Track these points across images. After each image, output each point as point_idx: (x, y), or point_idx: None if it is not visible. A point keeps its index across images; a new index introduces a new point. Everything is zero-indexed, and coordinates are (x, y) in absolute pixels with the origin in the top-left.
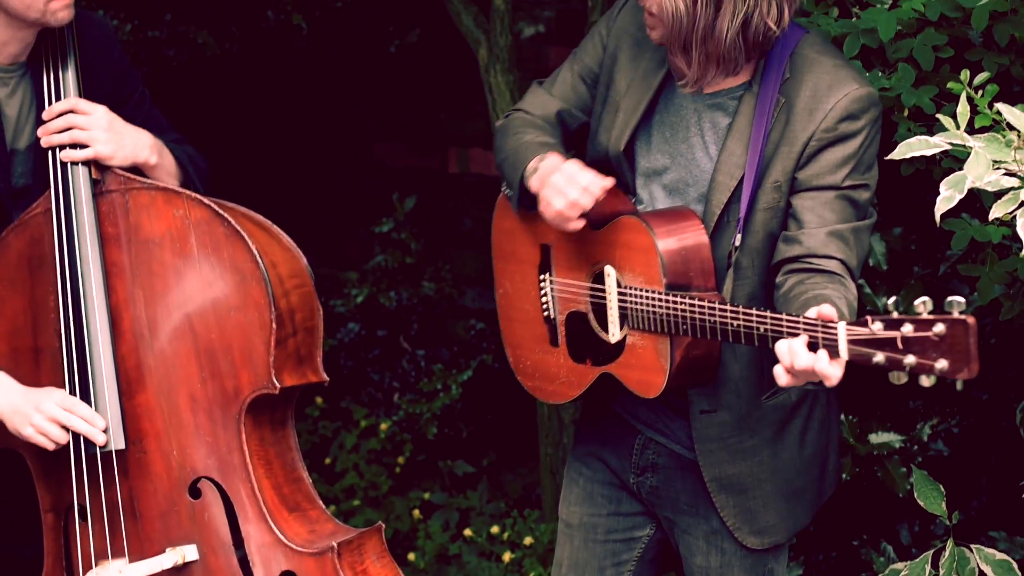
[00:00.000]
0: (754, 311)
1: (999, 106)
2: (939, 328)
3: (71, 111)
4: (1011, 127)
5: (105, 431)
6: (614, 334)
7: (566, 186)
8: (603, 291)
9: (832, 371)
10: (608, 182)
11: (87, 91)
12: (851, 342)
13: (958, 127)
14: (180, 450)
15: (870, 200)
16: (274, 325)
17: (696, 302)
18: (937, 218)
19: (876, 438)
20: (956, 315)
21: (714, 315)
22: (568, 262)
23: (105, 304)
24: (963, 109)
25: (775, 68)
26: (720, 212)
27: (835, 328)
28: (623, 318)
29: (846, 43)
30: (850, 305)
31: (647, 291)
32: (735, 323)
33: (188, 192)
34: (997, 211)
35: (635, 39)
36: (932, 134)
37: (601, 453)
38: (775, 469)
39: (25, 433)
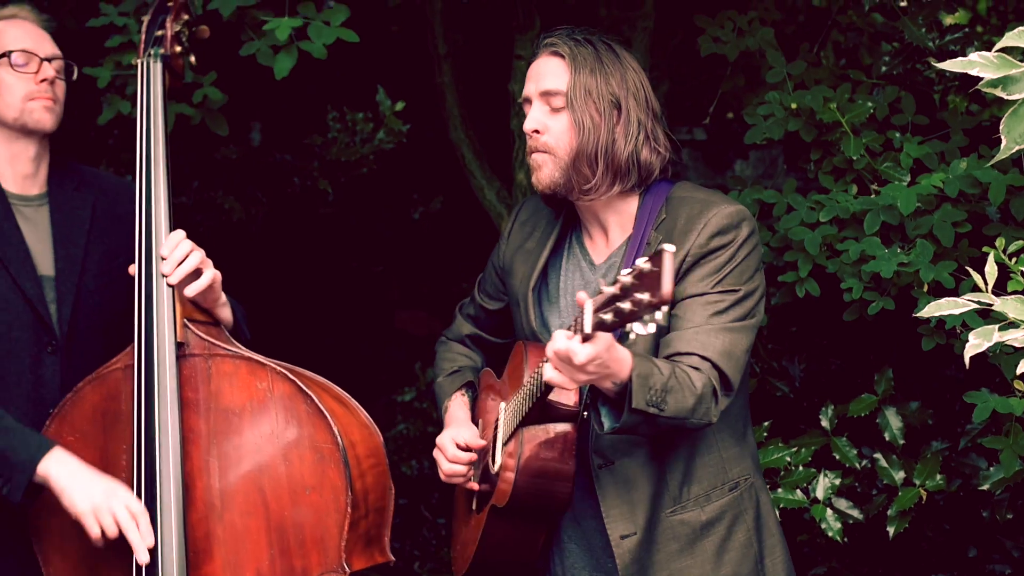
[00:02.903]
0: None
1: None
2: (645, 265)
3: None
4: None
5: (152, 551)
6: (497, 461)
7: (439, 459)
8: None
9: (574, 347)
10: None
11: (98, 232)
12: (595, 311)
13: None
14: None
15: (748, 305)
16: (349, 509)
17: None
18: (966, 360)
19: None
20: (658, 248)
21: (535, 372)
22: (485, 425)
23: (180, 471)
24: (991, 268)
25: (648, 212)
26: None
27: (583, 305)
28: (506, 442)
29: (866, 220)
30: (674, 372)
31: (516, 395)
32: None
33: (272, 363)
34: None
35: (524, 247)
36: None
37: None
38: None
39: (80, 508)
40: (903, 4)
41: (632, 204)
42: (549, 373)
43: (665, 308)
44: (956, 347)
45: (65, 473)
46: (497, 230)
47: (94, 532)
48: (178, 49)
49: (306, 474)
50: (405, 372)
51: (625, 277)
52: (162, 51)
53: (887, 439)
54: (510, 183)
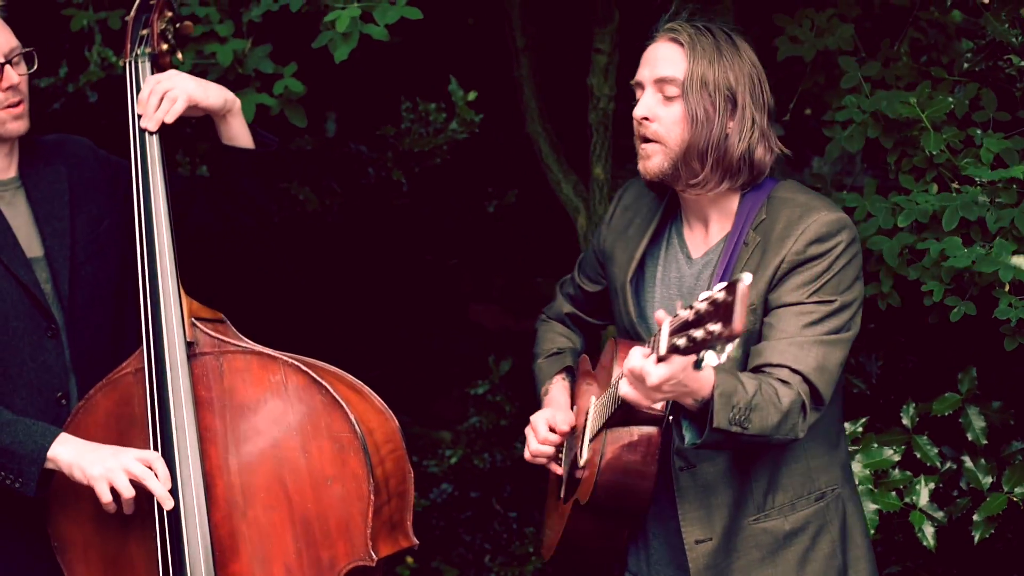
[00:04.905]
0: None
1: None
2: (720, 294)
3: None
4: None
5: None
6: (583, 456)
7: (529, 437)
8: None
9: (648, 367)
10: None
11: (77, 202)
12: (671, 333)
13: None
14: None
15: (845, 317)
16: (372, 496)
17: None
18: None
19: None
20: (736, 279)
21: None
22: (579, 412)
23: (200, 471)
24: None
25: (747, 210)
26: None
27: (660, 323)
28: (592, 438)
29: (945, 216)
30: (760, 388)
31: (605, 394)
32: None
33: (285, 357)
34: None
35: (626, 233)
36: None
37: None
38: None
39: (91, 473)
40: (985, 0)
41: (734, 201)
42: (624, 389)
43: (736, 341)
44: None
45: (71, 450)
46: (573, 224)
47: (105, 497)
48: (164, 47)
49: (326, 465)
50: (478, 365)
51: (700, 303)
52: (149, 50)
53: (970, 439)
54: (587, 177)
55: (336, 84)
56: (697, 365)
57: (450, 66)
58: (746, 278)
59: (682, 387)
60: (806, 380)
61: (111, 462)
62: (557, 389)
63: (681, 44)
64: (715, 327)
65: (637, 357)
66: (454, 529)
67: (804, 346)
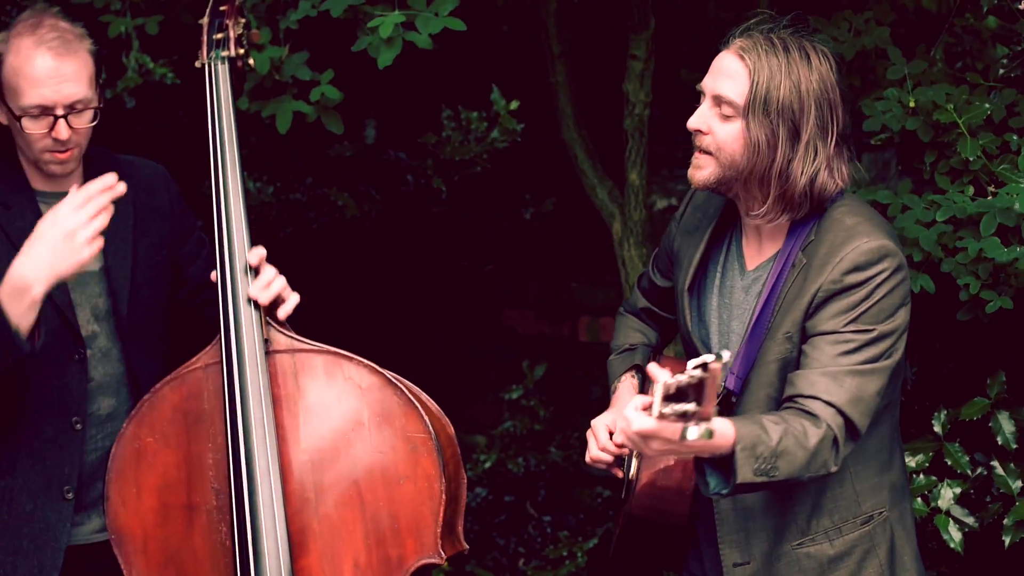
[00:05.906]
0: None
1: None
2: (696, 372)
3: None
4: None
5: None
6: (631, 467)
7: (589, 441)
8: None
9: (632, 415)
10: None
11: (141, 226)
12: (663, 399)
13: None
14: None
15: (884, 346)
16: (443, 496)
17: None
18: None
19: None
20: (710, 359)
21: None
22: None
23: (278, 467)
24: None
25: (800, 228)
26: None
27: (656, 382)
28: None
29: (983, 222)
30: (786, 432)
31: None
32: None
33: (358, 358)
34: None
35: (694, 234)
36: None
37: None
38: None
39: (74, 260)
40: (1021, 7)
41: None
42: (617, 437)
43: (707, 424)
44: None
45: (24, 269)
46: (608, 230)
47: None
48: (241, 51)
49: (400, 464)
50: (512, 370)
51: (683, 376)
52: (225, 53)
53: (1000, 443)
54: (622, 183)
55: (376, 91)
56: (682, 437)
57: (488, 73)
58: (724, 355)
59: (688, 448)
60: (840, 412)
61: (61, 222)
62: (624, 389)
63: (746, 62)
64: (690, 405)
65: (632, 407)
66: (488, 533)
67: (838, 377)
